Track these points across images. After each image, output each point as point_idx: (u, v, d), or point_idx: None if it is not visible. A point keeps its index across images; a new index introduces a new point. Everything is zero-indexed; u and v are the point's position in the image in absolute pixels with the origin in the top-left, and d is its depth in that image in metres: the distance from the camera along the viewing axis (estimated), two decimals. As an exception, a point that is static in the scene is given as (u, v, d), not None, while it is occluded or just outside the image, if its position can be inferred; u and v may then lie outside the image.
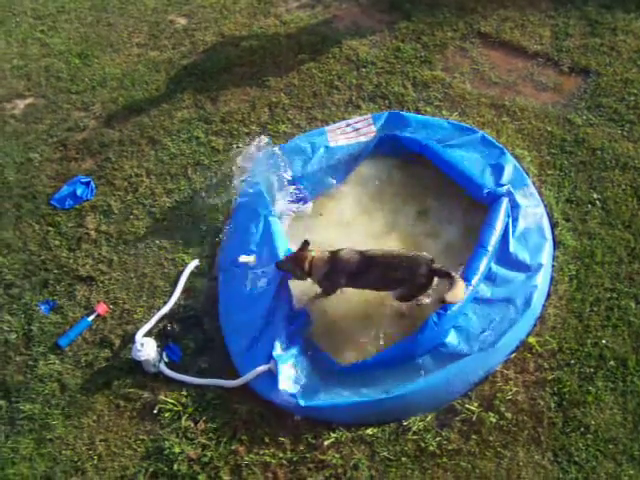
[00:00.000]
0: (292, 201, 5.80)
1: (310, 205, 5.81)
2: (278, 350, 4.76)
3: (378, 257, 4.82)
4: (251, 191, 5.82)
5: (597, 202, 5.58)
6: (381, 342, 4.93)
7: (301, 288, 5.17)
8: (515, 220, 5.24)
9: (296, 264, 4.91)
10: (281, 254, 5.21)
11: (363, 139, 6.05)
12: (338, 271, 4.84)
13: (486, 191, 5.39)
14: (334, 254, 4.89)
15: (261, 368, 4.73)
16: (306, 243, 4.92)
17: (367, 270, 4.81)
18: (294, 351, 4.79)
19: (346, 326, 5.08)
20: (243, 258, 5.33)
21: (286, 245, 5.34)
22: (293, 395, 4.59)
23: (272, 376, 4.70)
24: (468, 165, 5.60)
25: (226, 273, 5.48)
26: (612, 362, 4.70)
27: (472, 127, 6.08)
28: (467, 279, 4.83)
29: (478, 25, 7.32)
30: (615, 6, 7.27)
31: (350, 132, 6.12)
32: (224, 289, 5.43)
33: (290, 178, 5.83)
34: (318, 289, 5.10)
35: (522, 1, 7.52)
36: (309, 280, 5.01)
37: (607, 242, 5.32)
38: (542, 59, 6.88)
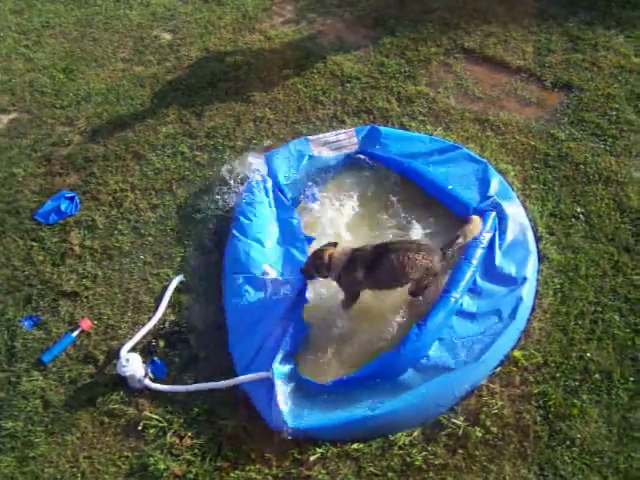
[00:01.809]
0: (305, 199, 5.93)
1: (319, 202, 5.89)
2: (277, 363, 4.72)
3: (394, 244, 4.90)
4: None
5: (581, 216, 5.62)
6: (363, 357, 4.91)
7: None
8: (502, 233, 5.26)
9: (316, 258, 4.91)
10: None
11: (346, 151, 6.13)
12: (356, 263, 4.84)
13: (472, 210, 5.42)
14: (355, 249, 4.94)
15: (259, 374, 4.70)
16: (334, 243, 4.99)
17: (384, 258, 4.81)
18: (288, 367, 4.78)
19: (328, 343, 5.09)
20: (267, 267, 5.29)
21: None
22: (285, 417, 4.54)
23: (270, 390, 4.66)
24: (452, 183, 5.64)
25: (233, 283, 5.38)
26: (597, 375, 4.71)
27: (454, 143, 6.13)
28: (448, 291, 4.89)
29: (462, 41, 7.39)
30: (596, 23, 7.37)
31: (333, 143, 6.16)
32: (231, 300, 5.33)
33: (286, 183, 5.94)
34: (341, 296, 5.11)
35: (505, 17, 7.60)
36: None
37: (591, 255, 5.35)
38: (525, 74, 6.96)
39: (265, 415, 4.67)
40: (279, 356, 4.76)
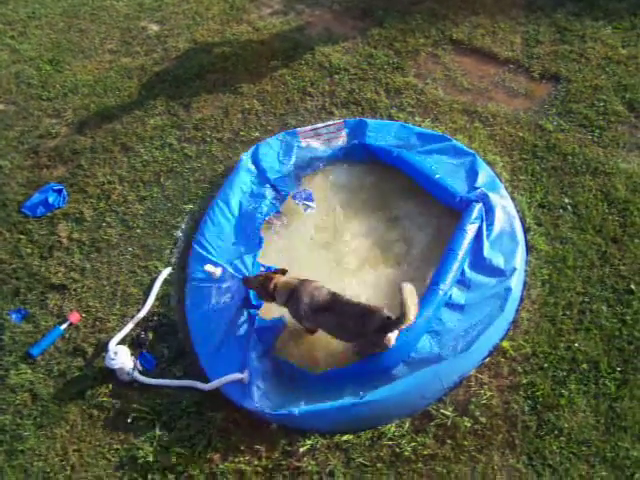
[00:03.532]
0: (299, 198, 5.89)
1: (313, 199, 5.88)
2: (253, 361, 4.74)
3: (337, 301, 4.63)
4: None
5: (568, 207, 5.64)
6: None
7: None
8: (490, 225, 5.28)
9: (262, 284, 4.83)
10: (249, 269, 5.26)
11: (335, 143, 6.14)
12: (300, 301, 4.69)
13: (458, 198, 5.44)
14: (301, 282, 4.76)
15: (234, 376, 4.70)
16: (282, 271, 4.89)
17: (326, 311, 4.64)
18: (267, 363, 4.79)
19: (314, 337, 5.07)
20: (209, 267, 5.29)
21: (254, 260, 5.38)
22: (265, 409, 4.57)
23: (244, 385, 4.70)
24: (440, 173, 5.64)
25: (192, 283, 5.45)
26: (584, 365, 4.74)
27: (442, 134, 6.14)
28: (436, 283, 4.89)
29: (450, 32, 7.39)
30: (584, 14, 7.38)
31: (322, 135, 6.18)
32: (190, 298, 5.39)
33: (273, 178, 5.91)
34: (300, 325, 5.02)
35: (493, 8, 7.60)
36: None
37: (579, 246, 5.37)
38: (513, 65, 6.96)
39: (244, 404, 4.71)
40: (253, 355, 4.78)
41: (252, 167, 6.01)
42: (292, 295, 4.74)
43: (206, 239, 5.58)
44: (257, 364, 4.75)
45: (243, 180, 5.92)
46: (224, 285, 5.26)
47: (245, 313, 5.07)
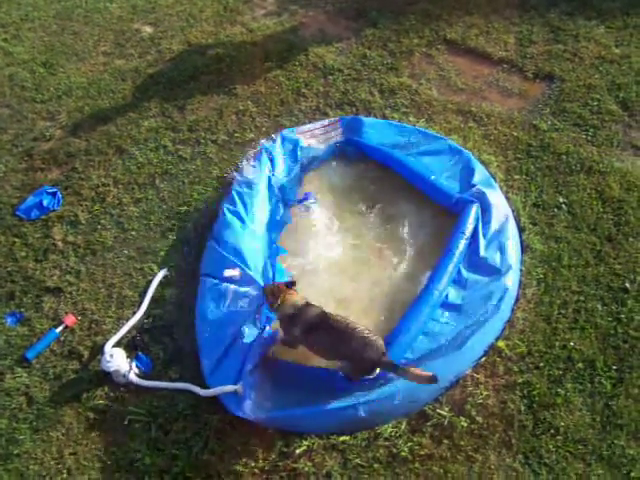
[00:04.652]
0: (301, 202, 5.87)
1: (315, 199, 5.85)
2: (248, 374, 4.67)
3: (333, 321, 4.53)
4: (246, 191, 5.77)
5: (563, 206, 5.65)
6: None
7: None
8: (485, 224, 5.27)
9: (271, 294, 4.72)
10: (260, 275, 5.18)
11: (333, 141, 6.14)
12: (298, 321, 4.60)
13: (455, 200, 5.44)
14: (307, 305, 4.67)
15: (230, 387, 4.66)
16: (292, 283, 4.76)
17: (318, 329, 4.55)
18: (259, 372, 4.72)
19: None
20: (228, 272, 5.23)
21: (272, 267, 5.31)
22: (258, 416, 4.54)
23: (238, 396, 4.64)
24: (435, 174, 5.64)
25: (204, 285, 5.35)
26: (580, 364, 4.75)
27: (437, 134, 6.14)
28: (432, 283, 4.88)
29: (444, 32, 7.40)
30: (577, 14, 7.41)
31: (320, 135, 6.16)
32: (201, 301, 5.28)
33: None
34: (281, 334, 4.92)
35: (487, 8, 7.62)
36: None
37: (573, 245, 5.38)
38: (507, 65, 6.98)
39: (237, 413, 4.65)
40: (249, 366, 4.71)
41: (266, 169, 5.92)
42: (291, 319, 4.64)
43: (223, 239, 5.48)
44: (250, 376, 4.66)
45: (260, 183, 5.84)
46: (242, 289, 5.15)
47: (256, 322, 4.98)
